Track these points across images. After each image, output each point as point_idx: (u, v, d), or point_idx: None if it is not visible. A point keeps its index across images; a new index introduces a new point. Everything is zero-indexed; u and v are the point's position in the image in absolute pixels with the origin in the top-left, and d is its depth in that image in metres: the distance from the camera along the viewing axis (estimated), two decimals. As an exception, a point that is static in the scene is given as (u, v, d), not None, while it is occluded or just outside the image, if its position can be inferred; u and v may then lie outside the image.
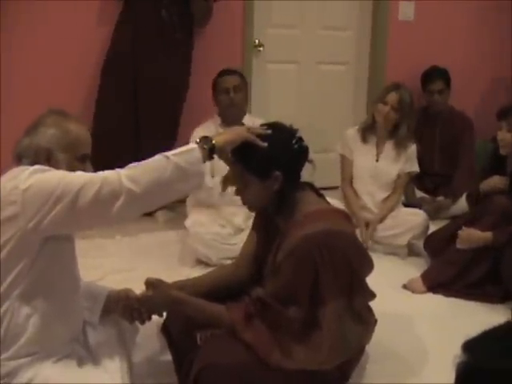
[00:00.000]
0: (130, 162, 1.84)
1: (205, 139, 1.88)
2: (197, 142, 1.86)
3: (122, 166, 1.82)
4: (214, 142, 1.87)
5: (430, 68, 4.53)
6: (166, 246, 3.77)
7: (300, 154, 2.06)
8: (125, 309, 2.13)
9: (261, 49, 4.60)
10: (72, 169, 1.84)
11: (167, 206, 4.12)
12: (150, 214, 4.17)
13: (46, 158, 1.86)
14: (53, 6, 3.97)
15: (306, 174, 2.15)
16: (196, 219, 3.55)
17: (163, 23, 3.97)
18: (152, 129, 4.06)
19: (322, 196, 2.18)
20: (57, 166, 1.84)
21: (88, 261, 3.38)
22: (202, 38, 4.30)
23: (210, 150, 1.87)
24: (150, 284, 2.11)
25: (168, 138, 4.08)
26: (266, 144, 1.96)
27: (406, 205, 4.09)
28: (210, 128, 3.69)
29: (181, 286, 2.21)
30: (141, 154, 3.95)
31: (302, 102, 4.83)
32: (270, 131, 1.99)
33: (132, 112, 4.08)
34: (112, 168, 1.82)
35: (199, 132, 3.70)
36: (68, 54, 4.09)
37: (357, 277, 2.04)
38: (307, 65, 4.81)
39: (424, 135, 4.45)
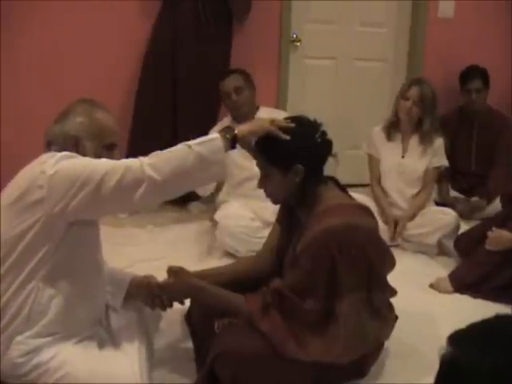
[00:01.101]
0: None
1: (227, 129, 1.91)
2: (219, 132, 1.89)
3: None
4: (236, 131, 1.90)
5: (469, 67, 4.47)
6: (196, 237, 3.81)
7: (323, 148, 2.06)
8: (146, 295, 2.18)
9: (298, 44, 4.60)
10: (99, 157, 1.89)
11: (200, 199, 4.17)
12: (182, 206, 4.25)
13: (73, 145, 1.91)
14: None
15: (329, 169, 2.15)
16: (226, 212, 3.57)
17: (201, 18, 4.00)
18: (190, 123, 4.10)
19: (345, 191, 2.18)
20: (84, 154, 1.89)
21: (119, 248, 3.47)
22: (239, 32, 4.32)
23: (232, 139, 1.89)
24: (172, 272, 2.16)
25: (206, 129, 4.12)
26: (288, 137, 1.97)
27: (440, 204, 4.05)
28: (224, 125, 3.71)
29: (202, 274, 2.25)
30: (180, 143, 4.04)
31: (338, 98, 4.81)
32: (293, 124, 2.01)
33: (171, 106, 4.14)
34: (150, 152, 1.86)
35: (215, 130, 3.73)
36: (110, 48, 4.17)
37: (376, 272, 2.04)
38: (344, 61, 4.79)
39: (461, 135, 4.39)
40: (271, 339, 1.94)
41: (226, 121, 3.77)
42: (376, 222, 2.16)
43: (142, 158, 1.81)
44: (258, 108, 3.74)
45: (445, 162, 3.79)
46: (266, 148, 2.01)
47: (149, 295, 2.18)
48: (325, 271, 1.93)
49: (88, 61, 4.14)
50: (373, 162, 3.90)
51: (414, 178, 3.76)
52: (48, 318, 1.84)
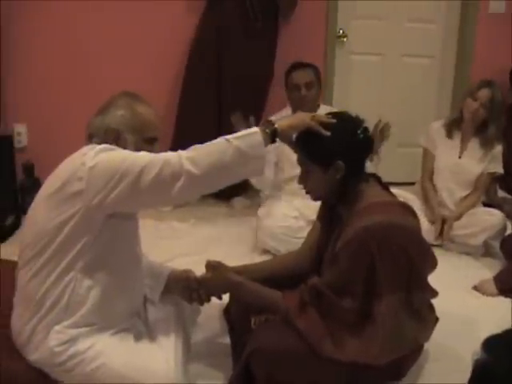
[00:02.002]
0: None
1: (267, 123, 1.89)
2: (259, 126, 1.88)
3: None
4: (276, 125, 1.88)
5: None
6: (238, 232, 3.81)
7: (364, 145, 2.03)
8: (184, 289, 2.20)
9: (344, 40, 4.55)
10: (139, 150, 1.89)
11: (243, 194, 4.17)
12: (226, 201, 4.25)
13: (114, 138, 1.92)
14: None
15: (371, 165, 2.12)
16: (269, 210, 3.56)
17: (247, 12, 4.00)
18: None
19: (386, 188, 2.15)
20: (125, 147, 1.90)
21: (160, 242, 3.50)
22: (285, 28, 4.30)
23: (272, 133, 1.88)
24: (210, 266, 2.16)
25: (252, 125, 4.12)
26: (329, 133, 1.95)
27: (487, 204, 3.97)
28: (283, 116, 3.70)
29: (241, 270, 2.24)
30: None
31: (384, 95, 4.74)
32: (334, 120, 1.98)
33: (215, 105, 4.14)
34: None
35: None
36: (154, 48, 4.20)
37: (416, 272, 2.00)
38: (392, 57, 4.72)
39: (510, 134, 4.29)
40: (307, 337, 1.92)
41: (284, 112, 3.73)
42: (418, 221, 2.12)
43: (180, 152, 1.80)
44: (318, 106, 3.70)
45: (500, 170, 3.69)
46: (307, 144, 1.99)
47: (187, 289, 2.19)
48: (363, 269, 1.90)
49: (132, 60, 4.19)
50: (427, 157, 3.83)
51: (468, 180, 3.68)
52: (86, 309, 1.85)
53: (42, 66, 4.11)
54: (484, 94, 3.55)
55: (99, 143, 1.88)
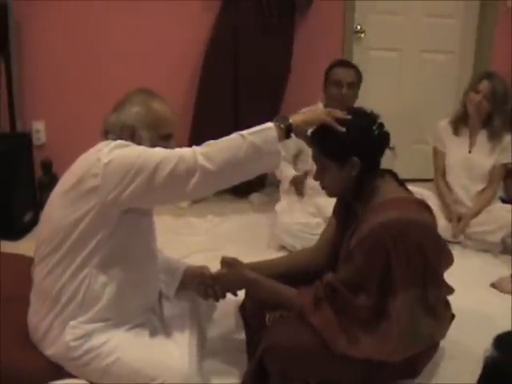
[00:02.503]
0: None
1: (282, 118, 1.89)
2: (274, 121, 1.87)
3: None
4: (291, 121, 1.88)
5: None
6: (255, 228, 3.81)
7: (380, 141, 2.02)
8: (199, 285, 2.20)
9: (362, 35, 4.53)
10: (154, 146, 1.89)
11: (261, 190, 4.16)
12: (244, 196, 4.26)
13: (130, 134, 1.93)
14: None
15: (386, 161, 2.10)
16: (286, 206, 3.56)
17: (263, 10, 3.99)
18: (252, 114, 4.10)
19: (402, 185, 2.13)
20: (140, 143, 1.90)
21: (178, 238, 3.52)
22: (302, 22, 4.30)
23: (286, 128, 1.87)
24: (225, 263, 2.17)
25: (268, 121, 4.13)
26: (344, 129, 1.94)
27: (506, 201, 3.93)
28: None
29: (256, 266, 2.24)
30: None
31: (403, 91, 4.71)
32: (349, 116, 1.97)
33: (232, 104, 4.15)
34: None
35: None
36: (170, 48, 4.22)
37: (432, 269, 1.98)
38: (410, 53, 4.69)
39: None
40: (321, 334, 1.92)
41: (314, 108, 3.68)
42: (434, 218, 2.10)
43: (195, 148, 1.81)
44: None
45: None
46: (322, 140, 1.98)
47: (202, 285, 2.19)
48: (378, 266, 1.89)
49: (149, 59, 4.21)
50: (438, 156, 3.82)
51: (481, 175, 3.66)
52: (101, 305, 1.87)
53: (60, 64, 4.14)
54: (485, 86, 3.53)
55: (115, 139, 1.89)
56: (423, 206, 2.08)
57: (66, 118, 4.22)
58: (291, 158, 3.69)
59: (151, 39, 4.18)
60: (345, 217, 2.20)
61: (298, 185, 3.63)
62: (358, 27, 4.51)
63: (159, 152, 1.80)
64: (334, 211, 2.31)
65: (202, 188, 1.81)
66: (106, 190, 1.77)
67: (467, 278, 2.97)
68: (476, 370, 2.27)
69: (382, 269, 1.90)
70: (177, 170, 1.75)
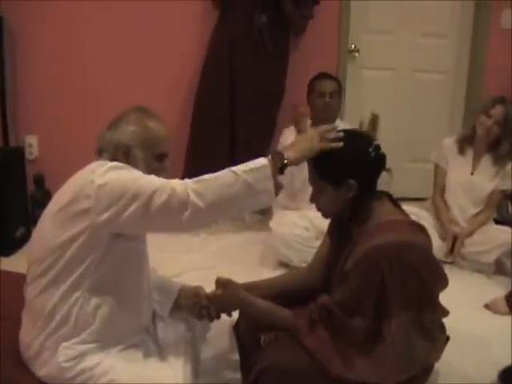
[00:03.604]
0: (225, 163, 1.85)
1: (277, 154, 1.86)
2: (269, 158, 1.84)
3: (216, 166, 1.85)
4: (285, 159, 1.85)
5: None
6: (249, 246, 3.82)
7: (376, 163, 2.02)
8: (194, 306, 2.17)
9: (356, 54, 4.56)
10: (149, 166, 1.90)
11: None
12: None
13: (124, 153, 1.91)
14: (154, 8, 4.12)
15: (383, 183, 2.10)
16: (281, 220, 3.57)
17: (257, 33, 4.01)
18: (247, 139, 4.11)
19: (398, 206, 2.13)
20: (135, 162, 1.89)
21: (171, 255, 3.50)
22: (297, 41, 4.32)
23: (281, 166, 1.85)
24: (220, 283, 2.15)
25: (264, 140, 4.14)
26: (341, 144, 1.93)
27: (499, 221, 3.95)
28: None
29: (251, 286, 2.22)
30: (237, 155, 4.06)
31: (396, 110, 4.74)
32: (342, 134, 1.97)
33: (229, 117, 4.14)
34: (207, 164, 1.82)
35: (287, 134, 3.73)
36: (170, 53, 4.23)
37: (427, 291, 1.97)
38: (404, 72, 4.72)
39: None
40: (317, 356, 1.90)
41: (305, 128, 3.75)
42: (430, 240, 2.10)
43: (188, 182, 1.78)
44: (336, 119, 3.74)
45: (510, 186, 3.68)
46: (319, 163, 1.98)
47: (196, 306, 2.17)
48: (374, 289, 1.88)
49: (145, 74, 4.22)
50: (439, 173, 3.84)
51: (480, 198, 3.68)
52: (94, 327, 1.84)
53: (53, 78, 4.14)
54: (498, 110, 3.54)
55: (109, 158, 1.88)
56: (419, 228, 2.07)
57: (59, 132, 4.21)
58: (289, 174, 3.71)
59: (148, 53, 4.19)
60: (339, 237, 2.19)
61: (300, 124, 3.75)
62: (353, 46, 4.53)
63: (154, 180, 1.78)
64: (329, 231, 2.31)
65: (194, 223, 1.80)
66: (98, 212, 1.75)
67: (461, 299, 2.97)
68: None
69: (378, 291, 1.88)
70: (170, 203, 1.73)
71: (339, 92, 3.72)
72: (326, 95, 3.64)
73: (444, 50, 4.72)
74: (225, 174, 1.79)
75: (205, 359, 2.37)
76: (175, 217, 1.75)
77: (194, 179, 1.80)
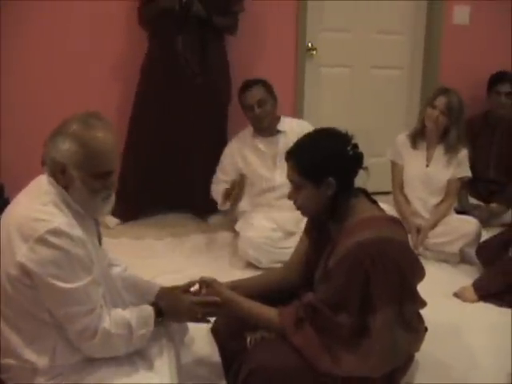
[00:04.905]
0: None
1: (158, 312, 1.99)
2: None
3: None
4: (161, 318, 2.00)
5: (500, 71, 4.48)
6: (215, 248, 3.81)
7: (355, 161, 2.06)
8: (191, 306, 2.09)
9: (314, 52, 4.59)
10: (88, 186, 1.81)
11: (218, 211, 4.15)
12: (202, 218, 4.23)
13: (61, 171, 1.81)
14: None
15: (359, 181, 2.14)
16: (247, 223, 3.57)
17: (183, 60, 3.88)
18: (199, 146, 4.07)
19: (375, 203, 2.17)
20: (72, 182, 1.81)
21: (138, 261, 3.40)
22: (254, 42, 4.35)
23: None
24: (204, 282, 2.13)
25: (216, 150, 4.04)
26: (320, 147, 1.97)
27: (459, 211, 4.04)
28: (245, 139, 3.74)
29: (234, 286, 2.23)
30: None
31: (354, 107, 4.80)
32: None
33: (171, 131, 4.04)
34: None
35: (233, 144, 3.72)
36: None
37: (408, 284, 2.02)
38: (360, 69, 4.79)
39: (482, 141, 4.39)
40: (305, 354, 1.93)
41: (246, 134, 3.75)
42: (406, 233, 2.15)
43: (104, 322, 1.80)
44: (279, 119, 3.71)
45: (468, 173, 3.77)
46: (299, 160, 2.01)
47: (194, 307, 2.10)
48: (358, 285, 1.91)
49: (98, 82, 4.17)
50: (396, 170, 3.89)
51: (438, 188, 3.75)
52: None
53: (10, 87, 4.05)
54: (441, 101, 3.63)
55: (49, 173, 1.82)
56: (396, 222, 2.13)
57: (19, 140, 4.12)
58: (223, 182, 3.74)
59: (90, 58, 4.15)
60: (317, 235, 2.22)
61: (229, 193, 3.66)
62: (310, 45, 4.56)
63: (81, 315, 1.76)
64: (306, 230, 2.33)
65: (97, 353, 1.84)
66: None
67: (430, 289, 3.00)
68: (449, 379, 2.35)
69: (362, 287, 1.92)
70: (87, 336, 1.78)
71: (268, 96, 3.59)
72: (254, 107, 3.56)
73: (399, 46, 4.82)
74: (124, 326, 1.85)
75: (186, 364, 2.33)
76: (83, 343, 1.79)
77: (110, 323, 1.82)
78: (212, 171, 3.82)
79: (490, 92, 4.48)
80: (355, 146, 2.04)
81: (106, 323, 1.79)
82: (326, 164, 1.98)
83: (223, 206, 3.74)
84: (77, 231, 1.77)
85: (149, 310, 1.96)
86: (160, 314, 1.99)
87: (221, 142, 3.97)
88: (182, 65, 3.85)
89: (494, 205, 4.34)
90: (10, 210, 1.85)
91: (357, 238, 1.94)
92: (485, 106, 4.57)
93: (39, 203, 1.78)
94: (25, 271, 1.70)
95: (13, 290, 1.75)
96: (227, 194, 3.66)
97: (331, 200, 2.03)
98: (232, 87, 4.08)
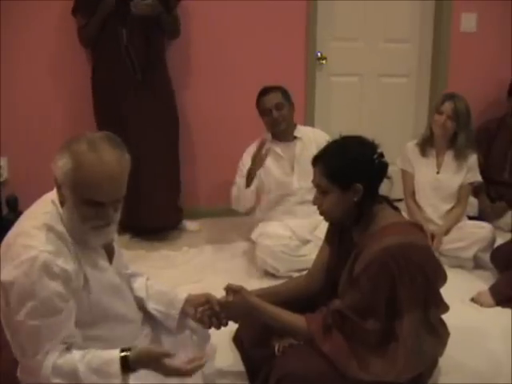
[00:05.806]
0: None
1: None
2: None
3: None
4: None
5: None
6: (232, 257, 3.82)
7: (381, 169, 2.09)
8: (203, 313, 2.12)
9: (324, 62, 4.63)
10: (79, 211, 1.74)
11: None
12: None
13: (57, 187, 1.78)
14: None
15: (384, 188, 2.17)
16: (263, 232, 3.57)
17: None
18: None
19: (397, 209, 2.20)
20: (65, 200, 1.77)
21: (156, 272, 3.42)
22: (265, 52, 4.39)
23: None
24: (231, 290, 2.13)
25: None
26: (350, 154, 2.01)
27: (471, 217, 4.04)
28: (264, 144, 3.70)
29: (260, 293, 2.24)
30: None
31: (364, 115, 4.83)
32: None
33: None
34: None
35: (251, 150, 3.66)
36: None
37: (432, 289, 2.06)
38: (369, 77, 4.82)
39: (497, 144, 4.42)
40: (333, 360, 1.95)
41: (265, 138, 3.69)
42: (427, 239, 2.18)
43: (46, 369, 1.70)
44: (295, 126, 3.74)
45: (478, 178, 3.78)
46: (328, 165, 2.04)
47: (206, 313, 2.12)
48: (385, 291, 1.94)
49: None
50: (407, 178, 3.90)
51: (449, 194, 3.77)
52: None
53: (21, 99, 4.09)
54: (448, 106, 3.64)
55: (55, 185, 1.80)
56: (418, 228, 2.16)
57: (29, 153, 4.15)
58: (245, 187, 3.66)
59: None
60: (339, 242, 2.24)
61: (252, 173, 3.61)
62: (319, 54, 4.60)
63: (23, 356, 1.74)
64: (327, 237, 2.36)
65: None
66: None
67: (448, 295, 3.02)
68: (473, 382, 2.36)
69: (389, 293, 1.95)
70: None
71: (286, 102, 3.63)
72: (272, 110, 3.60)
73: (407, 54, 4.85)
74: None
75: (208, 375, 2.27)
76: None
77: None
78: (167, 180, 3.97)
79: (510, 96, 4.48)
80: (381, 155, 2.07)
81: (47, 370, 1.69)
82: (354, 169, 2.02)
83: (247, 189, 3.62)
84: (61, 261, 1.71)
85: (112, 357, 1.72)
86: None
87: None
88: (125, 61, 3.82)
89: (499, 203, 4.35)
90: (16, 224, 1.85)
91: (382, 243, 1.96)
92: (495, 111, 4.61)
93: (33, 226, 1.76)
94: (4, 289, 1.72)
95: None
96: (250, 174, 3.60)
97: (356, 206, 2.05)
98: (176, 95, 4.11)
